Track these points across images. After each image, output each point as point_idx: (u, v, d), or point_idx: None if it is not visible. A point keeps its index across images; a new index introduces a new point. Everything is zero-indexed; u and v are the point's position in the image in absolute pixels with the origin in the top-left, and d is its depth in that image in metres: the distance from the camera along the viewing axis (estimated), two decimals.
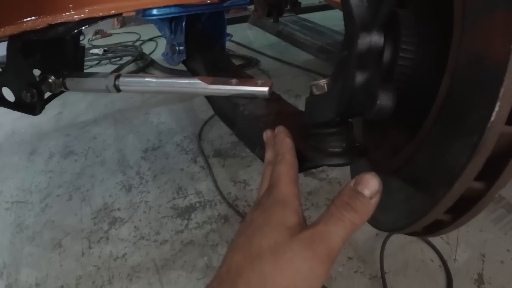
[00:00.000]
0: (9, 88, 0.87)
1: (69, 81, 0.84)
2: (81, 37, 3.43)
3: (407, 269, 1.09)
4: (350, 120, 0.56)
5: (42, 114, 0.90)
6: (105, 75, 0.79)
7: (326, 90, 0.54)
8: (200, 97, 2.14)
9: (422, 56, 0.50)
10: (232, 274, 0.40)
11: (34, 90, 0.82)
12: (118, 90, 0.76)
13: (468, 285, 1.04)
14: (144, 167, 1.62)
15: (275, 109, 0.76)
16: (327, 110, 0.52)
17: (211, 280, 0.42)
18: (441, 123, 0.43)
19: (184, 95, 2.16)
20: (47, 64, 0.87)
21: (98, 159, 1.71)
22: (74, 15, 0.72)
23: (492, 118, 0.34)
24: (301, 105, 0.82)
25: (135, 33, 3.56)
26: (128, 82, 0.75)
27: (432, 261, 1.11)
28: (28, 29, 0.75)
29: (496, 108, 0.34)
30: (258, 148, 0.65)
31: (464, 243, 1.16)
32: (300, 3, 1.50)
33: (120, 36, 3.58)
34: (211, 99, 0.92)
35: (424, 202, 0.43)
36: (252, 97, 0.64)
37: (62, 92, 0.88)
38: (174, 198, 1.42)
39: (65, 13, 0.72)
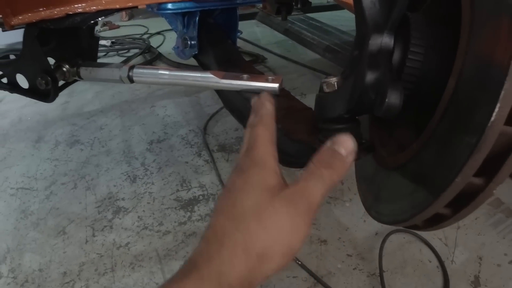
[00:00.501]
0: (24, 75, 0.88)
1: (83, 70, 0.85)
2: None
3: (405, 268, 1.11)
4: (357, 117, 0.58)
5: (48, 103, 0.92)
6: (119, 66, 0.80)
7: (337, 88, 0.55)
8: (205, 91, 2.16)
9: (430, 58, 0.52)
10: (218, 236, 0.42)
11: (49, 78, 0.83)
12: (131, 81, 0.77)
13: (464, 286, 1.06)
14: (149, 158, 1.64)
15: (285, 105, 0.78)
16: (337, 106, 0.54)
17: (199, 243, 0.43)
18: (446, 121, 0.45)
19: (192, 88, 2.18)
20: (62, 52, 0.88)
21: (103, 149, 1.73)
22: (91, 6, 0.74)
23: (492, 118, 0.37)
24: (306, 103, 0.84)
25: (143, 26, 3.57)
26: (142, 73, 0.76)
27: (430, 261, 1.13)
28: (46, 18, 0.76)
29: (496, 109, 0.37)
30: None
31: (462, 245, 1.18)
32: (310, 2, 1.52)
33: (128, 28, 3.59)
34: (222, 93, 0.93)
35: (426, 196, 0.45)
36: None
37: (75, 81, 0.90)
38: (178, 190, 1.44)
39: (83, 3, 0.74)
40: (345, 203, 1.35)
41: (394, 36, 0.51)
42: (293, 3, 1.48)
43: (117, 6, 0.74)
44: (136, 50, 2.92)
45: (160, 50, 2.90)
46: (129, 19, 3.93)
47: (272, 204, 0.42)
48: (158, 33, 3.33)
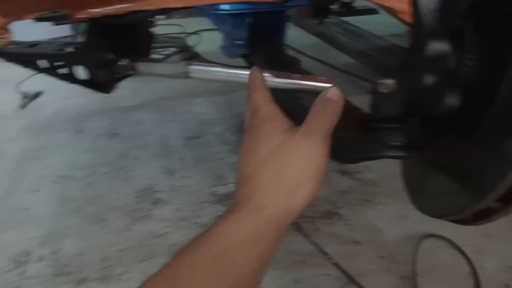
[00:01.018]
0: (85, 66, 0.94)
1: (140, 65, 0.90)
2: None
3: (436, 273, 1.12)
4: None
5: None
6: (175, 62, 0.84)
7: (392, 89, 0.58)
8: (240, 91, 2.20)
9: (483, 65, 0.55)
10: (250, 178, 0.48)
11: (108, 70, 0.88)
12: (187, 76, 0.81)
13: None
14: (186, 153, 1.68)
15: None
16: (393, 107, 0.57)
17: (235, 193, 0.49)
18: (497, 125, 0.49)
19: (227, 87, 2.21)
20: (120, 47, 0.93)
21: (142, 142, 1.78)
22: (153, 4, 0.78)
23: None
24: None
25: (179, 25, 3.61)
26: (197, 70, 0.80)
27: (462, 267, 1.13)
28: (111, 13, 0.81)
29: None
30: None
31: (493, 253, 1.17)
32: (353, 7, 1.53)
33: (165, 27, 3.65)
34: (272, 92, 0.96)
35: (478, 190, 0.48)
36: (315, 92, 0.69)
37: (131, 74, 0.95)
38: (214, 185, 1.48)
39: (146, 1, 0.78)
40: (378, 206, 1.37)
41: (449, 43, 0.54)
42: (336, 7, 1.51)
43: (178, 6, 0.78)
44: (173, 49, 2.97)
45: (197, 49, 2.95)
46: (167, 18, 3.98)
47: (293, 140, 0.49)
48: (194, 33, 3.38)
